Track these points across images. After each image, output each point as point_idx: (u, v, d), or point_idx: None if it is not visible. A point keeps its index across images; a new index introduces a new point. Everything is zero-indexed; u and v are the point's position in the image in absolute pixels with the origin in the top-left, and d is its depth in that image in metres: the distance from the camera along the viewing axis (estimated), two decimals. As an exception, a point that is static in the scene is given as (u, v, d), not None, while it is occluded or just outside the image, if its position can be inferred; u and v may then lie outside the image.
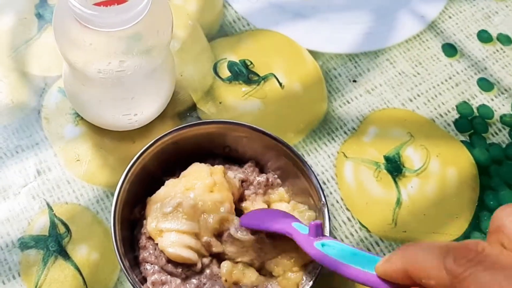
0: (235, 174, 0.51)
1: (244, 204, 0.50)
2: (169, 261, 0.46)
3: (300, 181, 0.50)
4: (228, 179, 0.49)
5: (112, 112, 0.53)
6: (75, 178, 0.55)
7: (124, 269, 0.45)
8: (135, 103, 0.52)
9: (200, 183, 0.47)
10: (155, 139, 0.50)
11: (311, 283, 0.45)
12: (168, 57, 0.53)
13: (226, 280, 0.45)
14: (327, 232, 0.46)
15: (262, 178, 0.51)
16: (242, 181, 0.50)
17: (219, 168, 0.49)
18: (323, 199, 0.47)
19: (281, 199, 0.50)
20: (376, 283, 0.36)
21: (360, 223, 0.54)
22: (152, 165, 0.50)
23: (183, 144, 0.51)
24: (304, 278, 0.46)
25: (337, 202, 0.55)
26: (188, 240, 0.45)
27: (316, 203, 0.48)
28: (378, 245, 0.53)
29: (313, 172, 0.48)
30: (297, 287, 0.46)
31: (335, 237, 0.53)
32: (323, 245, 0.42)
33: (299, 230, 0.44)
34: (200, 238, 0.46)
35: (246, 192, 0.50)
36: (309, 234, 0.43)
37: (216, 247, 0.46)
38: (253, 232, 0.46)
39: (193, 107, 0.59)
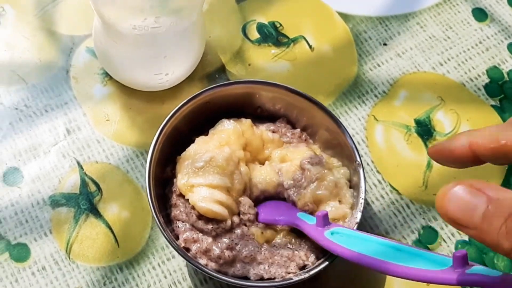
0: (266, 126, 0.50)
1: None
2: (199, 217, 0.45)
3: (333, 141, 0.49)
4: (257, 132, 0.49)
5: (144, 72, 0.53)
6: (104, 138, 0.54)
7: (159, 225, 0.44)
8: (166, 62, 0.52)
9: (235, 138, 0.47)
10: (188, 99, 0.49)
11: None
12: (199, 17, 0.53)
13: (262, 233, 0.46)
14: (362, 193, 0.46)
15: (296, 130, 0.51)
16: (273, 132, 0.50)
17: (246, 121, 0.49)
18: (358, 158, 0.47)
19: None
20: (390, 271, 0.36)
21: (391, 185, 0.54)
22: (183, 125, 0.50)
23: (214, 104, 0.51)
24: None
25: (368, 164, 0.55)
26: (219, 195, 0.45)
27: (350, 163, 0.48)
28: (409, 208, 0.53)
29: (348, 132, 0.48)
30: None
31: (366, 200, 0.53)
32: (332, 233, 0.42)
33: (306, 220, 0.45)
34: (232, 194, 0.46)
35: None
36: (317, 225, 0.43)
37: (248, 208, 0.46)
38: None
39: (222, 69, 0.58)
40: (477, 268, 0.32)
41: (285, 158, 0.49)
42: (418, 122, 0.56)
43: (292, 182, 0.47)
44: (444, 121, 0.57)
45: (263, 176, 0.48)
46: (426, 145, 0.56)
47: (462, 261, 0.33)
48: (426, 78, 0.59)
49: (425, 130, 0.56)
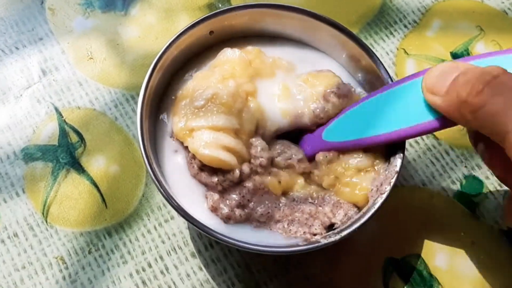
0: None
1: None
2: (202, 168, 0.37)
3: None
4: (267, 61, 0.40)
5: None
6: (87, 79, 0.46)
7: (155, 179, 0.36)
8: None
9: (241, 69, 0.38)
10: (186, 27, 0.40)
11: (384, 195, 0.36)
12: None
13: (279, 182, 0.38)
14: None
15: None
16: None
17: (254, 49, 0.40)
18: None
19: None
20: (408, 132, 0.34)
21: (427, 130, 0.46)
22: (182, 60, 0.41)
23: (220, 34, 0.42)
24: (373, 189, 0.37)
25: (399, 106, 0.46)
26: (226, 139, 0.37)
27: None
28: (448, 154, 0.45)
29: (381, 62, 0.40)
30: (365, 200, 0.37)
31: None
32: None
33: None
34: (241, 137, 0.37)
35: None
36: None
37: (260, 151, 0.38)
38: None
39: (225, -3, 0.50)
40: None
41: (306, 83, 0.40)
42: (455, 56, 0.48)
43: (311, 113, 0.39)
44: (486, 54, 0.48)
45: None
46: (466, 82, 0.47)
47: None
48: (462, 5, 0.51)
49: (464, 64, 0.48)
